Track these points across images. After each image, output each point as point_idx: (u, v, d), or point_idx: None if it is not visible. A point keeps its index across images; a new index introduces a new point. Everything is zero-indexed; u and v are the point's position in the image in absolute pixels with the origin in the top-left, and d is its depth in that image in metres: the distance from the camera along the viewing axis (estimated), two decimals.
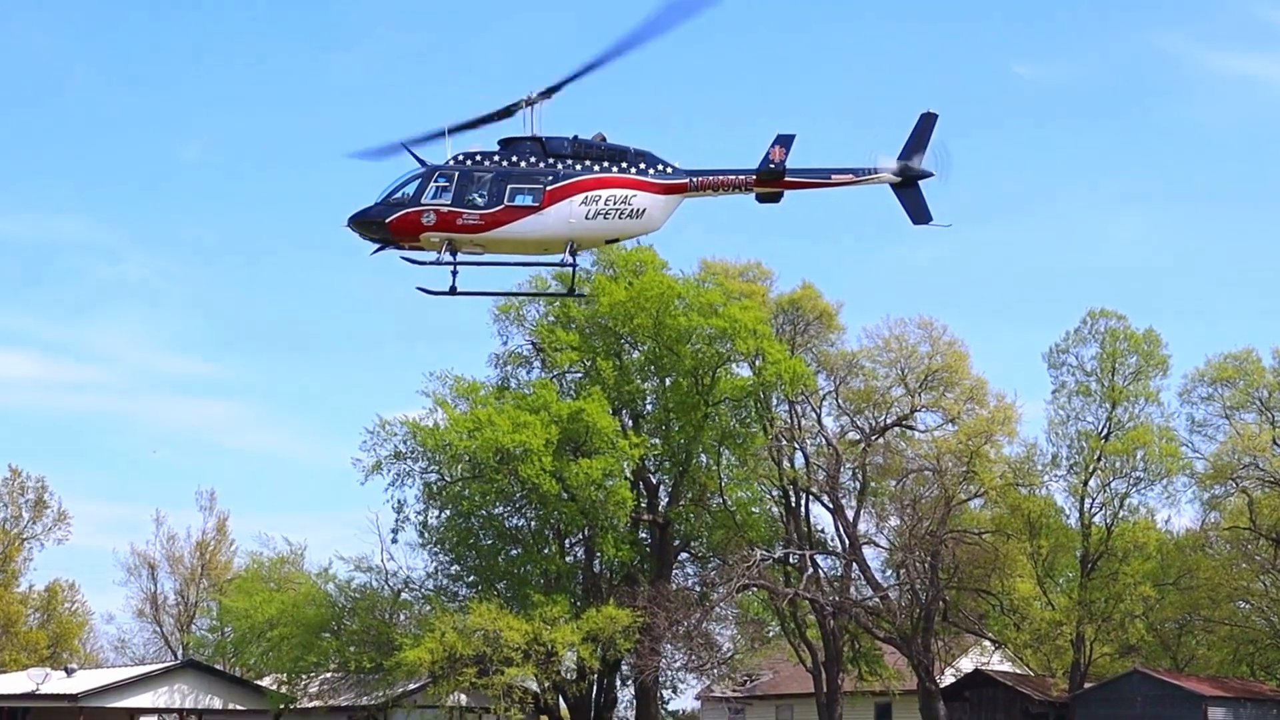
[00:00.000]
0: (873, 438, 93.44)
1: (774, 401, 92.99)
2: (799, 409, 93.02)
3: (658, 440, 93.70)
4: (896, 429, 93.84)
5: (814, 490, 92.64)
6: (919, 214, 52.18)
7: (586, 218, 51.56)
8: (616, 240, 53.38)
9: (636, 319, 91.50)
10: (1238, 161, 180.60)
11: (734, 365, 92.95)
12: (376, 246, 52.46)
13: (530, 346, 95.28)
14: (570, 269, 52.98)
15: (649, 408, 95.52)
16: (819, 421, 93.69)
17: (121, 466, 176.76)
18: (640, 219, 51.86)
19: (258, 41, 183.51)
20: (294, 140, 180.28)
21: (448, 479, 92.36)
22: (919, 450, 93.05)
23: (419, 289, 52.86)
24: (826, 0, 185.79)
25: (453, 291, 52.68)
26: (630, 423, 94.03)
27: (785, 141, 51.71)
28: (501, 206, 51.40)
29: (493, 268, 53.25)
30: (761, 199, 52.81)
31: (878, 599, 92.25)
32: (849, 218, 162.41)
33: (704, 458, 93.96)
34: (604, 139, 52.23)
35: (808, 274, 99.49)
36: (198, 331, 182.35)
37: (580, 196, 51.47)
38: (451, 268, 52.19)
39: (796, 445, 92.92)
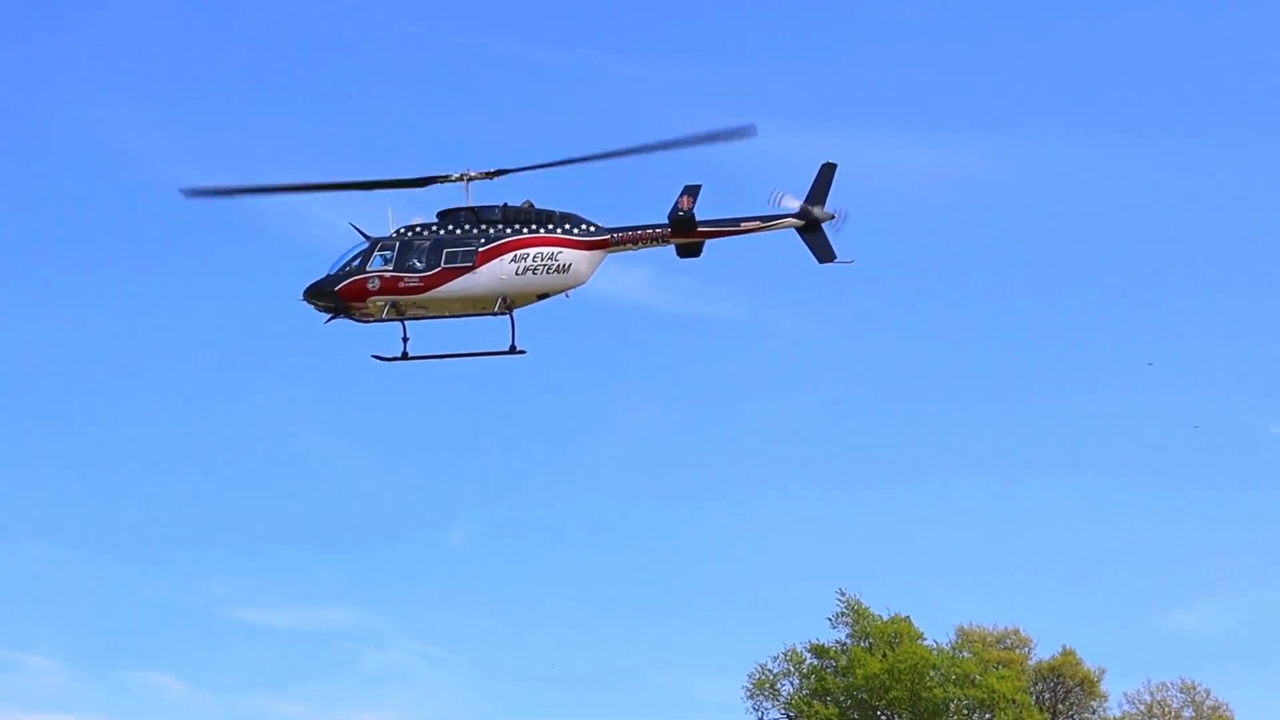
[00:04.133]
0: None
1: None
2: None
3: None
4: None
5: None
6: (824, 254, 55.93)
7: (517, 274, 56.37)
8: (547, 295, 56.83)
9: (893, 691, 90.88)
10: None
11: None
12: (329, 316, 58.29)
13: None
14: (509, 324, 56.88)
15: None
16: None
17: None
18: (567, 273, 56.28)
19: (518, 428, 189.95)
20: (551, 525, 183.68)
21: None
22: None
23: (374, 357, 58.26)
24: None
25: (405, 356, 57.94)
26: None
27: (692, 191, 55.93)
28: (439, 269, 56.70)
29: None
30: (681, 253, 56.63)
31: None
32: (1108, 580, 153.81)
33: None
34: (532, 205, 57.25)
35: (1067, 636, 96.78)
36: (462, 716, 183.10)
37: (510, 255, 56.43)
38: (402, 335, 57.73)
39: None
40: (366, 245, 57.57)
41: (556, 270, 56.24)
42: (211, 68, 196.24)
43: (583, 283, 56.68)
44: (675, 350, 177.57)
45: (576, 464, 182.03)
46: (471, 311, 57.17)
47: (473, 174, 57.15)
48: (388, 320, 57.42)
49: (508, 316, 56.71)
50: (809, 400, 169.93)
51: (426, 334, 58.05)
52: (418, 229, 57.50)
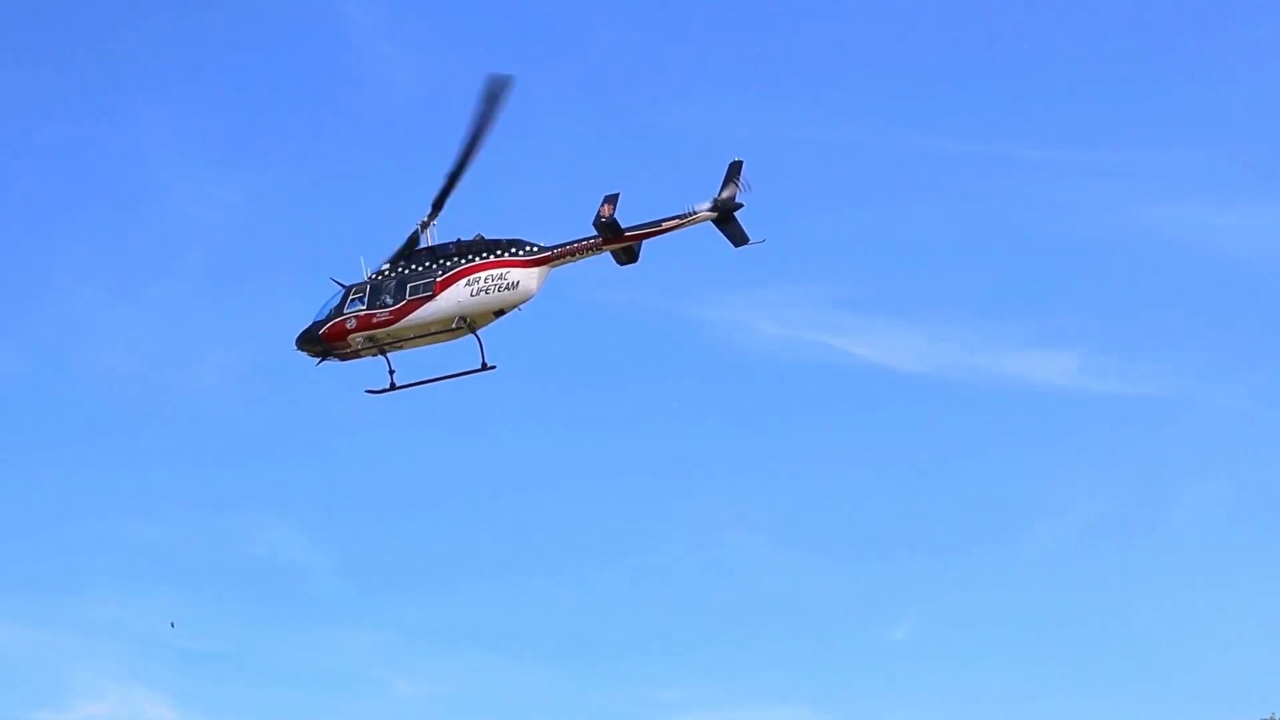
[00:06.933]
0: None
1: None
2: None
3: None
4: None
5: None
6: (738, 239, 61.44)
7: (471, 295, 62.85)
8: (502, 311, 62.84)
9: None
10: None
11: None
12: (318, 359, 65.55)
13: None
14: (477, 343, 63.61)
15: None
16: None
17: None
18: (516, 289, 62.57)
19: None
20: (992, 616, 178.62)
21: None
22: None
23: (367, 391, 65.17)
24: None
25: (393, 387, 64.78)
26: None
27: (612, 199, 61.82)
28: (405, 301, 63.62)
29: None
30: (620, 260, 62.62)
31: None
32: None
33: None
34: (482, 238, 63.85)
35: None
36: None
37: (464, 280, 63.03)
38: (388, 369, 64.59)
39: None
40: (342, 292, 64.71)
41: (506, 288, 62.30)
42: None
43: (531, 296, 62.45)
44: (1106, 433, 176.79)
45: (1014, 553, 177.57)
46: (437, 331, 63.31)
47: (427, 220, 64.14)
48: (367, 354, 64.45)
49: (476, 339, 63.02)
50: (1248, 481, 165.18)
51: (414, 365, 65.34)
52: (385, 271, 64.40)
